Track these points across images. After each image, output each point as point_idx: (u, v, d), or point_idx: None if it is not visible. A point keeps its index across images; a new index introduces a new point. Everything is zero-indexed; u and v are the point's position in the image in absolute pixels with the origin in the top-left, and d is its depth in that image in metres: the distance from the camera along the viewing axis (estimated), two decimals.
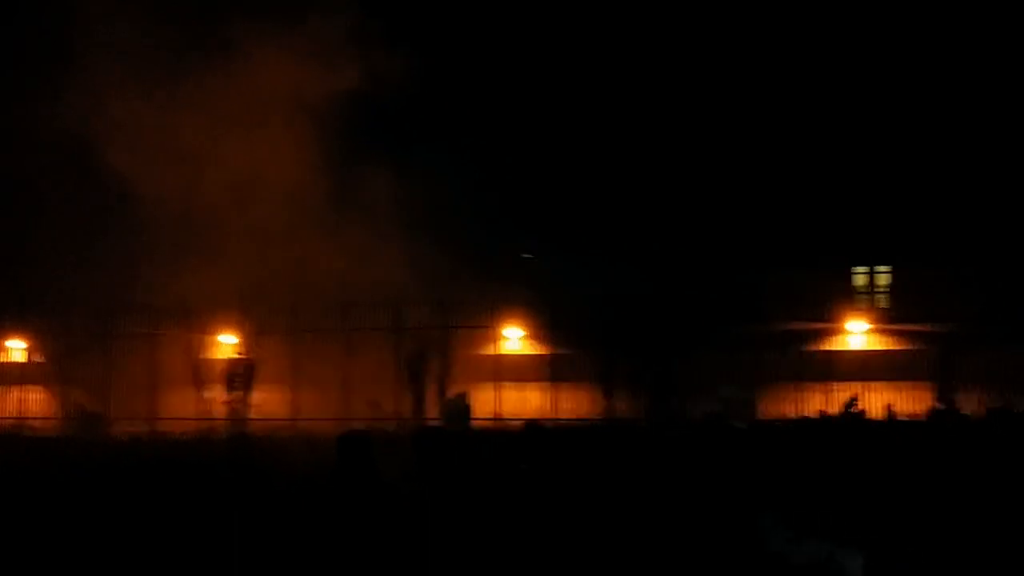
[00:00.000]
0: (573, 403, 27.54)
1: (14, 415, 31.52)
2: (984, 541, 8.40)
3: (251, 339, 27.46)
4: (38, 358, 33.29)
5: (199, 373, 28.98)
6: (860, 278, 28.98)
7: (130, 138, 26.07)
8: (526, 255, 30.62)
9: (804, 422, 21.13)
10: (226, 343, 29.25)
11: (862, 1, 31.06)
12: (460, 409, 11.03)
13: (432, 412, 25.29)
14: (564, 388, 28.13)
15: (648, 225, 30.59)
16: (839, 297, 27.88)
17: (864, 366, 26.25)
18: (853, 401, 18.99)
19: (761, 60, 31.57)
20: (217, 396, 26.66)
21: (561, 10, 32.37)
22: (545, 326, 28.82)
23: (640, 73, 32.15)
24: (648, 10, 32.14)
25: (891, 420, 20.36)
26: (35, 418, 29.89)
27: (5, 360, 33.94)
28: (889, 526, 8.81)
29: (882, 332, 27.00)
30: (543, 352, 28.96)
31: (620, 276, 28.12)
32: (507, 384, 28.64)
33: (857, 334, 27.02)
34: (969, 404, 23.56)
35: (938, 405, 19.84)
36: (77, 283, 29.29)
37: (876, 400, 24.07)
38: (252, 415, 25.36)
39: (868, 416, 21.57)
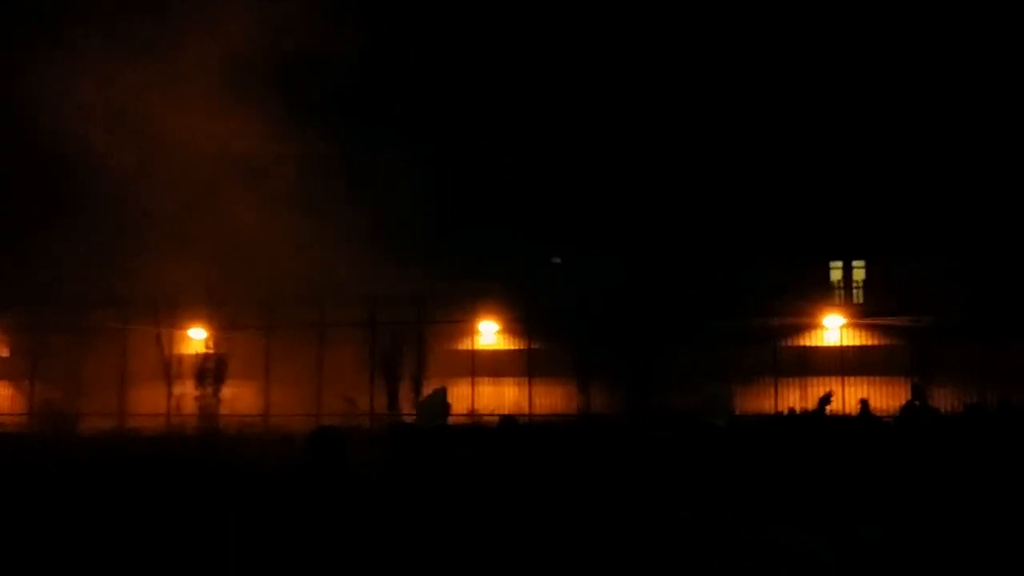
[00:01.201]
0: (549, 398, 27.40)
1: None
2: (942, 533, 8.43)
3: (222, 334, 27.11)
4: (4, 353, 32.76)
5: (170, 368, 28.63)
6: (836, 272, 29.01)
7: (94, 122, 25.64)
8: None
9: (780, 419, 21.13)
10: (197, 338, 28.85)
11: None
12: (438, 405, 10.92)
13: (407, 408, 25.07)
14: (540, 383, 27.96)
15: (626, 220, 30.50)
16: (816, 292, 27.88)
17: (841, 361, 26.26)
18: (827, 398, 18.95)
19: (734, 58, 31.58)
20: (188, 392, 26.33)
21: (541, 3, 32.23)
22: (521, 320, 28.63)
23: (618, 69, 32.06)
24: (628, 6, 32.07)
25: (864, 416, 20.35)
26: (1, 414, 29.41)
27: None
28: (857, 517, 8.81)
29: (858, 327, 27.01)
30: (519, 347, 28.78)
31: (597, 270, 28.00)
32: (483, 379, 28.45)
33: (834, 329, 27.02)
34: (945, 399, 23.61)
35: (915, 402, 19.77)
36: (45, 277, 28.83)
37: (853, 395, 24.05)
38: (223, 411, 25.10)
39: (842, 412, 21.65)
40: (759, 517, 8.41)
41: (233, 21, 26.26)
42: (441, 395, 11.86)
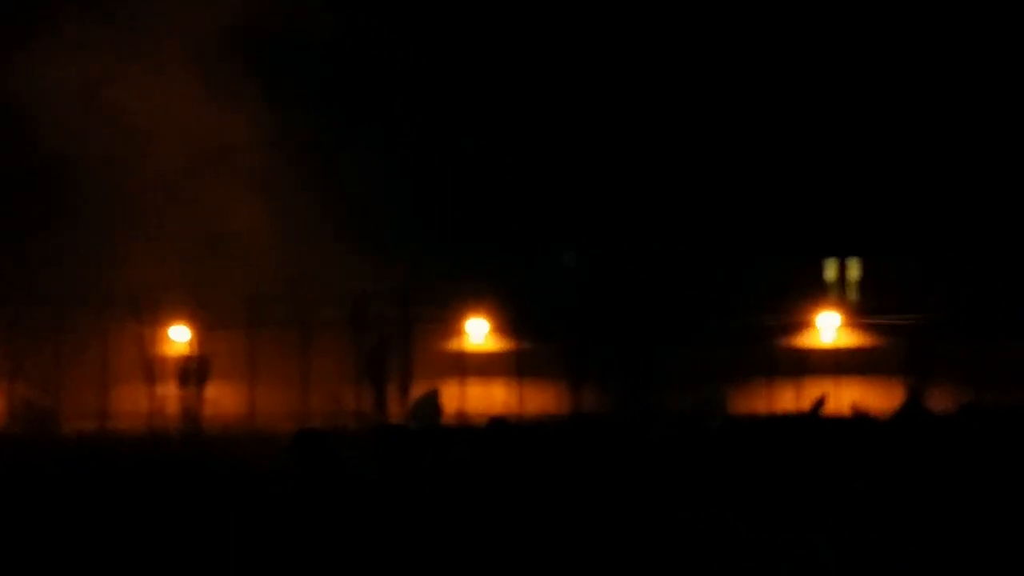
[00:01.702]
0: (540, 399, 27.20)
1: None
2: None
3: (206, 334, 26.82)
4: None
5: (152, 369, 28.26)
6: (831, 271, 28.91)
7: (72, 119, 25.32)
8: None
9: (774, 420, 21.01)
10: (180, 338, 28.54)
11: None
12: (431, 407, 10.72)
13: (394, 408, 24.88)
14: (531, 384, 27.75)
15: (618, 219, 30.33)
16: (811, 290, 27.81)
17: (836, 361, 26.20)
18: (821, 402, 18.99)
19: (728, 57, 31.46)
20: (171, 392, 26.08)
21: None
22: (511, 320, 28.42)
23: (612, 69, 31.90)
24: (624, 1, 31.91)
25: (857, 418, 20.28)
26: None
27: None
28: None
29: (853, 326, 26.93)
30: (509, 347, 28.56)
31: (589, 269, 27.88)
32: (472, 380, 28.21)
33: (828, 328, 26.93)
34: (941, 399, 23.48)
35: (910, 403, 19.74)
36: (25, 275, 28.49)
37: (847, 395, 24.00)
38: (207, 412, 24.90)
39: (836, 414, 21.56)
40: (757, 517, 8.41)
41: (210, 12, 26.01)
42: (434, 397, 11.66)
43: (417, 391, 25.13)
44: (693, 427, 12.82)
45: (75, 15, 25.49)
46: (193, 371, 25.36)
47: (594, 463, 11.36)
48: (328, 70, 27.54)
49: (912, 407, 17.87)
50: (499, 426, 11.28)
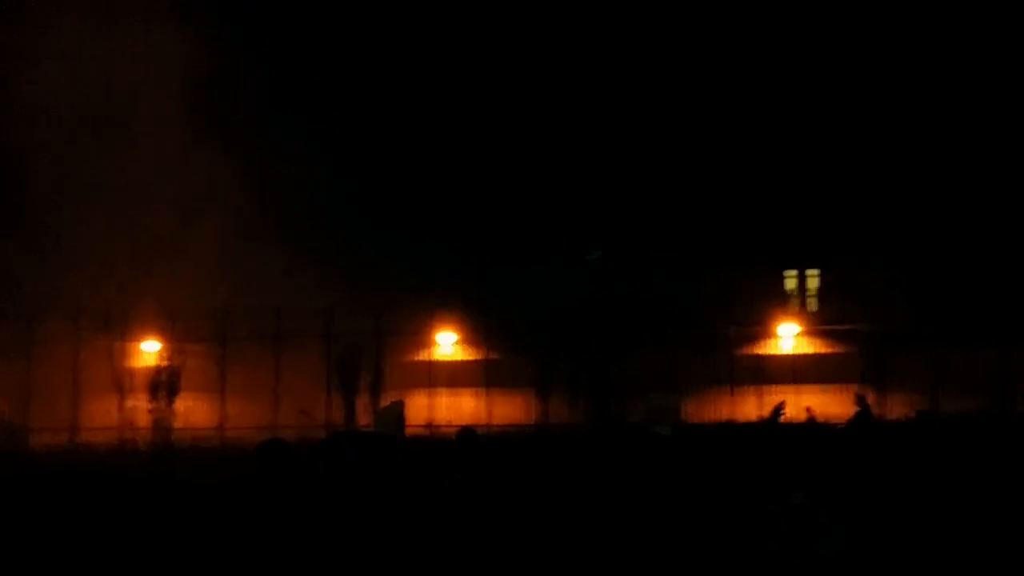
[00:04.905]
0: (508, 408, 27.27)
1: None
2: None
3: (176, 346, 26.80)
4: None
5: (122, 382, 28.13)
6: (791, 281, 29.24)
7: (41, 130, 25.26)
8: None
9: (731, 427, 21.34)
10: (150, 351, 28.46)
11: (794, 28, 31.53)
12: (394, 417, 10.85)
13: (364, 420, 24.90)
14: (498, 393, 27.81)
15: (583, 230, 30.58)
16: (771, 301, 28.06)
17: (795, 369, 26.44)
18: (780, 407, 19.27)
19: (689, 76, 31.86)
20: (141, 405, 25.99)
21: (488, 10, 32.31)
22: (479, 331, 28.52)
23: (576, 85, 32.20)
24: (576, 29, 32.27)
25: (811, 424, 20.61)
26: None
27: None
28: None
29: (813, 335, 27.24)
30: (477, 357, 28.65)
31: (555, 280, 28.02)
32: (440, 390, 28.25)
33: (788, 337, 27.23)
34: (898, 406, 23.90)
35: (859, 410, 20.11)
36: None
37: (806, 403, 24.27)
38: (177, 424, 24.81)
39: (796, 420, 21.92)
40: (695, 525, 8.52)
41: (193, 43, 26.12)
42: (398, 408, 11.86)
43: (386, 402, 25.14)
44: (644, 435, 13.02)
45: (38, 31, 25.41)
46: (163, 384, 25.26)
47: (549, 472, 11.65)
48: (300, 88, 27.72)
49: (861, 415, 18.21)
50: (467, 436, 11.49)
